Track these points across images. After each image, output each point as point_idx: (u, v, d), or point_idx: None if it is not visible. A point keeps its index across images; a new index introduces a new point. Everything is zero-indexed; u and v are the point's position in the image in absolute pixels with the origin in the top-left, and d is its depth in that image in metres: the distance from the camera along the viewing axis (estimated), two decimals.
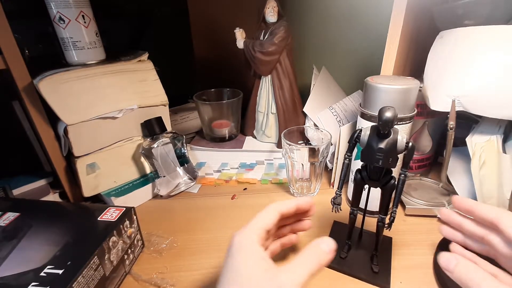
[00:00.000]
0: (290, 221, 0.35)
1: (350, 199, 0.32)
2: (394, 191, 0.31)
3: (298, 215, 0.34)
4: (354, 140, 0.30)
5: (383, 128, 0.27)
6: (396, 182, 0.31)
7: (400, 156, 0.30)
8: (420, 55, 0.44)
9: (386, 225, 0.33)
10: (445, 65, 0.40)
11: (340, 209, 0.32)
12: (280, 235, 0.35)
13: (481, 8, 0.39)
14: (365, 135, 0.29)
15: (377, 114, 0.39)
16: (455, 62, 0.39)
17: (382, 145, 0.28)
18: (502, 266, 0.25)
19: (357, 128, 0.43)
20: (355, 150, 0.44)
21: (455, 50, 0.39)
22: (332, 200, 0.32)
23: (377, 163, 0.28)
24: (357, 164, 0.44)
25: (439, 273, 0.35)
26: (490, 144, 0.39)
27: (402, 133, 0.28)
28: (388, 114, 0.26)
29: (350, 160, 0.31)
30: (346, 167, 0.32)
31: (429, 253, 0.38)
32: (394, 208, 0.31)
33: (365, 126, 0.40)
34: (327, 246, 0.26)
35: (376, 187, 0.31)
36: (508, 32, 0.35)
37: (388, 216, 0.33)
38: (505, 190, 0.38)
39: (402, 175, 0.30)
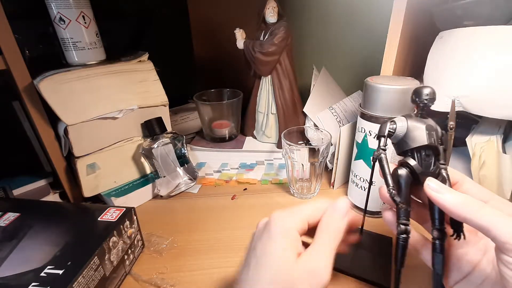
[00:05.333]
0: None
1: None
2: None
3: None
4: (387, 131, 0.25)
5: (430, 102, 0.24)
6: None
7: None
8: (420, 55, 0.44)
9: (454, 236, 0.24)
10: (445, 65, 0.40)
11: (408, 208, 0.24)
12: None
13: (481, 8, 0.39)
14: (402, 125, 0.25)
15: (377, 114, 0.38)
16: (455, 62, 0.39)
17: (429, 122, 0.25)
18: None
19: (357, 127, 0.43)
20: (355, 151, 0.44)
21: (455, 50, 0.39)
22: (394, 198, 0.24)
23: (430, 141, 0.24)
24: (356, 165, 0.44)
25: None
26: (490, 144, 0.39)
27: None
28: (429, 88, 0.24)
29: (386, 155, 0.26)
30: (387, 161, 0.26)
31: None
32: None
33: (366, 126, 0.41)
34: (342, 212, 0.25)
35: None
36: (508, 33, 0.35)
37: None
38: (505, 190, 0.38)
39: (444, 170, 0.25)
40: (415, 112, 0.25)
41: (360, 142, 0.43)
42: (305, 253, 0.23)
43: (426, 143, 0.24)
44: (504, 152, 0.39)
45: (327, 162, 0.54)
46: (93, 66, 0.45)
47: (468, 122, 0.45)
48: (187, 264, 0.38)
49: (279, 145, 0.60)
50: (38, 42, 0.51)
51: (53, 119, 0.44)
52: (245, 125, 0.65)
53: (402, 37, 0.42)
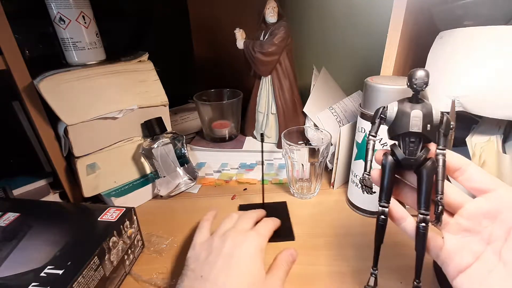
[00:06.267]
0: None
1: (378, 192, 0.26)
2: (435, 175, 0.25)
3: None
4: (379, 117, 0.26)
5: (419, 86, 0.23)
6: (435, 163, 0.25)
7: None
8: (420, 55, 0.44)
9: (433, 222, 0.25)
10: (445, 65, 0.40)
11: (374, 192, 0.27)
12: None
13: (481, 8, 0.39)
14: (392, 110, 0.25)
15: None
16: (455, 62, 0.39)
17: (418, 108, 0.24)
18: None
19: (357, 127, 0.43)
20: (355, 151, 0.44)
21: (455, 50, 0.39)
22: (361, 181, 0.27)
23: (414, 128, 0.24)
24: (356, 165, 0.44)
25: (439, 272, 0.35)
26: (490, 144, 0.39)
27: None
28: (421, 71, 0.23)
29: (375, 141, 0.27)
30: (373, 148, 0.27)
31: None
32: (439, 194, 0.24)
33: (366, 126, 0.41)
34: (294, 257, 0.36)
35: (412, 169, 0.26)
36: (508, 33, 0.35)
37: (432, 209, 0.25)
38: None
39: (441, 155, 0.25)
40: (409, 96, 0.25)
41: (360, 142, 0.43)
42: (270, 274, 0.32)
43: (408, 130, 0.24)
44: (504, 152, 0.39)
45: (327, 162, 0.54)
46: (93, 66, 0.45)
47: (468, 122, 0.45)
48: None
49: (279, 145, 0.60)
50: (38, 42, 0.51)
51: (53, 119, 0.44)
52: (245, 125, 0.65)
53: (402, 37, 0.42)
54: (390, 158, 0.25)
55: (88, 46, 0.45)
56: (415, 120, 0.24)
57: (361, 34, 0.69)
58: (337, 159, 0.50)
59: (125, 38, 0.68)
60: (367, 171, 0.27)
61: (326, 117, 0.54)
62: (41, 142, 0.47)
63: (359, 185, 0.26)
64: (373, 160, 0.27)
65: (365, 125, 0.41)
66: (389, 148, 0.26)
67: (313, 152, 0.47)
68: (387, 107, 0.26)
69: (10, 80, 0.41)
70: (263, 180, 0.45)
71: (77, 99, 0.43)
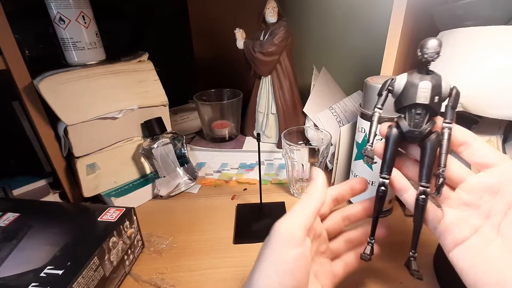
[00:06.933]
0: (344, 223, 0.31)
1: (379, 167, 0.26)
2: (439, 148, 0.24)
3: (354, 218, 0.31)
4: (386, 89, 0.26)
5: (430, 56, 0.23)
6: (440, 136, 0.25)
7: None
8: None
9: (433, 193, 0.25)
10: (445, 66, 0.40)
11: (375, 162, 0.26)
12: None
13: (481, 8, 0.39)
14: (401, 81, 0.25)
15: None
16: (455, 62, 0.39)
17: (427, 79, 0.24)
18: None
19: (357, 127, 0.43)
20: (355, 151, 0.44)
21: (455, 50, 0.39)
22: (363, 152, 0.26)
23: (421, 100, 0.23)
24: (356, 165, 0.44)
25: (439, 273, 0.35)
26: (490, 144, 0.39)
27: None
28: (433, 40, 0.23)
29: (380, 114, 0.27)
30: (378, 120, 0.26)
31: (430, 253, 0.38)
32: (442, 167, 0.24)
33: (366, 126, 0.41)
34: (319, 183, 0.27)
35: (416, 142, 0.25)
36: (508, 33, 0.35)
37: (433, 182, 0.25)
38: None
39: (447, 129, 0.24)
40: (419, 68, 0.25)
41: (360, 142, 0.43)
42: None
43: (415, 101, 0.24)
44: (504, 152, 0.39)
45: (327, 162, 0.54)
46: (93, 66, 0.45)
47: (468, 122, 0.45)
48: (187, 264, 0.38)
49: (279, 145, 0.60)
50: (38, 42, 0.51)
51: (53, 119, 0.44)
52: (245, 125, 0.65)
53: (402, 37, 0.42)
54: (394, 130, 0.25)
55: (88, 46, 0.45)
56: (423, 91, 0.24)
57: (361, 34, 0.69)
58: (337, 159, 0.49)
59: (125, 38, 0.69)
60: (370, 143, 0.26)
61: (326, 117, 0.55)
62: (41, 142, 0.47)
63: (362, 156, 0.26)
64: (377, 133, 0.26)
65: (365, 125, 0.41)
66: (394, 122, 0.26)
67: (313, 152, 0.47)
68: (395, 78, 0.25)
69: (10, 80, 0.41)
70: (260, 180, 0.45)
71: (77, 99, 0.43)
